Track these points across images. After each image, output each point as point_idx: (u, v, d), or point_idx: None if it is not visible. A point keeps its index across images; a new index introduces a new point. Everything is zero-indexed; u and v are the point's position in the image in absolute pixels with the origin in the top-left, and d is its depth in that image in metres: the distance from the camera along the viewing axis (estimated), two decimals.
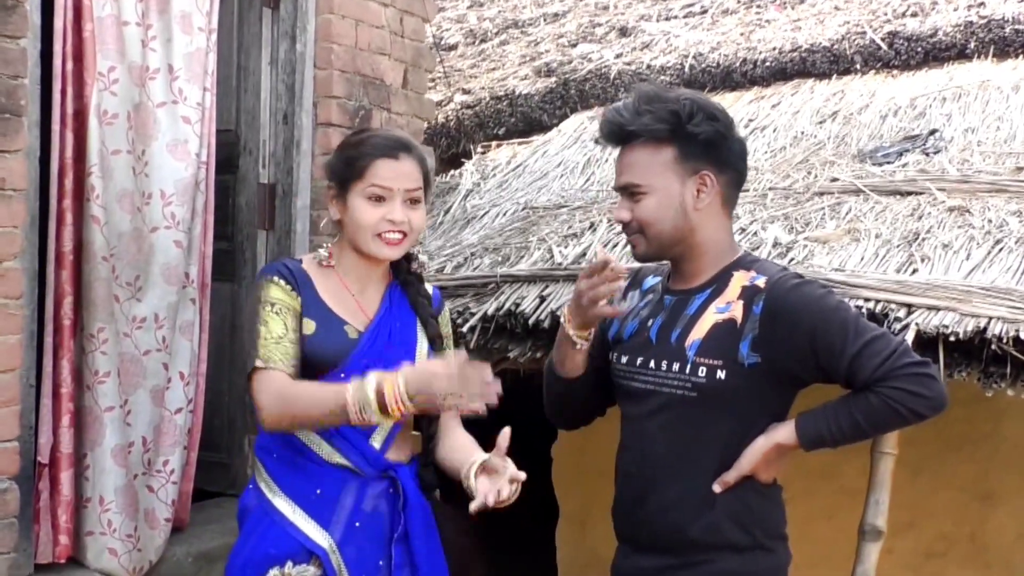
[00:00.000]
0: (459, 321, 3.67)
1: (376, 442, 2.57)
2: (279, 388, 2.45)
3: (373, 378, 2.33)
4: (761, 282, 2.40)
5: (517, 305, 3.58)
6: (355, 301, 2.59)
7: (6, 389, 3.08)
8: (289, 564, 2.50)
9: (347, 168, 2.57)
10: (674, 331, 2.46)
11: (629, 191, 2.46)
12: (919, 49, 5.25)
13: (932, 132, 4.43)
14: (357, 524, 2.54)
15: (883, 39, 5.33)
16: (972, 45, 5.14)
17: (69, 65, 3.26)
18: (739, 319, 2.38)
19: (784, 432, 2.40)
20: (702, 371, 2.38)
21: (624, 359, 2.55)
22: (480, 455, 2.51)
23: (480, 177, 5.29)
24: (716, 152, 2.44)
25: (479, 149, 5.94)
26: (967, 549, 4.59)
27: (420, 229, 2.64)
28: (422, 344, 2.64)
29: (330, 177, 2.64)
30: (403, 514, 2.57)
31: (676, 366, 2.42)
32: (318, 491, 2.53)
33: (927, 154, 4.26)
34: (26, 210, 3.12)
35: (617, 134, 2.48)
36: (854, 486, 3.48)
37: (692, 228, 2.45)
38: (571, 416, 2.80)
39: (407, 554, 2.58)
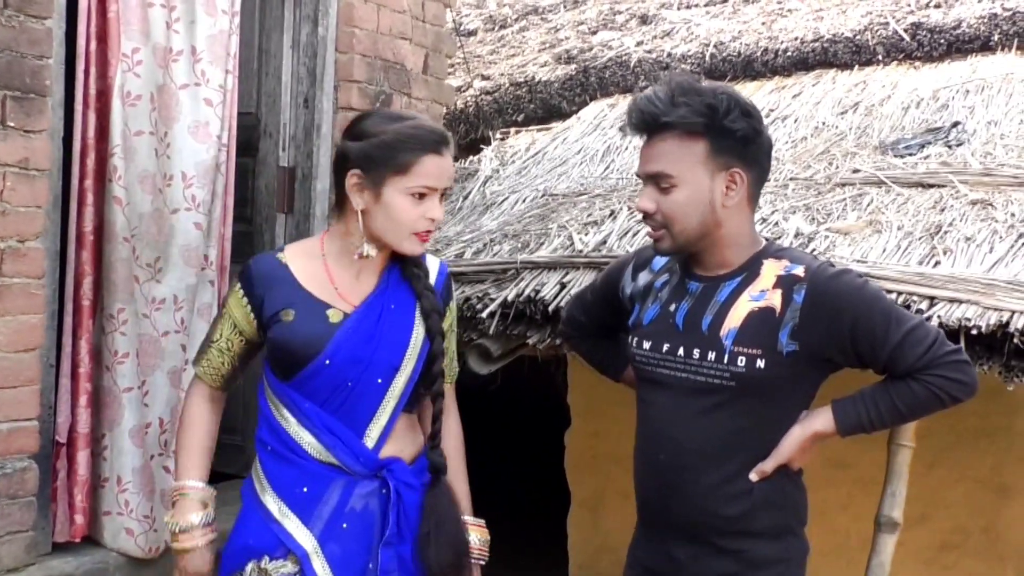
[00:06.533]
0: (478, 307, 3.67)
1: (370, 440, 2.50)
2: (186, 408, 2.66)
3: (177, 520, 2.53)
4: (799, 271, 2.39)
5: (537, 292, 3.57)
6: (336, 290, 2.51)
7: (27, 368, 3.10)
8: (266, 558, 2.46)
9: (387, 159, 2.41)
10: (704, 319, 2.43)
11: (657, 181, 2.42)
12: (942, 41, 5.22)
13: (955, 124, 4.41)
14: (344, 525, 2.46)
15: (906, 30, 5.30)
16: (996, 37, 5.10)
17: (93, 46, 3.27)
18: (778, 308, 2.37)
19: (821, 420, 2.42)
20: (741, 360, 2.36)
21: (647, 345, 2.52)
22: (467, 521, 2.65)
23: (499, 163, 5.28)
24: (747, 149, 2.42)
25: (498, 135, 5.93)
26: (981, 541, 4.58)
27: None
28: (419, 326, 2.54)
29: (358, 164, 2.45)
30: (392, 517, 2.49)
31: (712, 355, 2.40)
32: (305, 488, 2.47)
33: (949, 147, 4.24)
34: (49, 190, 3.13)
35: (648, 124, 2.43)
36: (869, 476, 3.47)
37: (718, 223, 2.42)
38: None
39: (395, 559, 2.49)
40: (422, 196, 2.43)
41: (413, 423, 2.63)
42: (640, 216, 3.81)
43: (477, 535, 2.67)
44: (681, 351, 2.45)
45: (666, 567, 2.50)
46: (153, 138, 3.37)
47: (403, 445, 2.56)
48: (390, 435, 2.53)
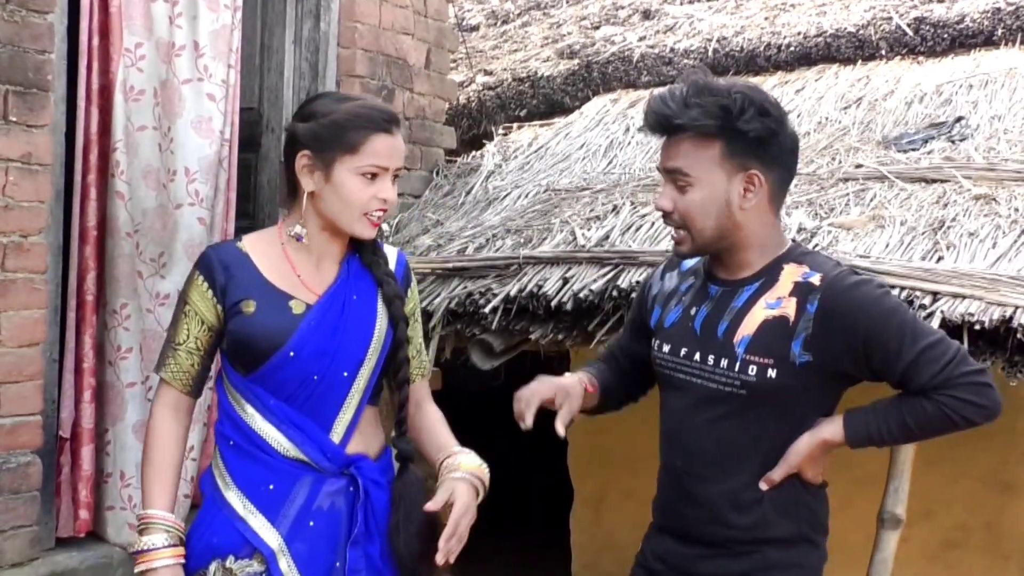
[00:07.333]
0: (481, 302, 3.67)
1: (336, 436, 2.45)
2: (151, 423, 2.46)
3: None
4: (816, 279, 2.31)
5: (539, 287, 3.57)
6: (299, 278, 2.44)
7: (30, 363, 3.10)
8: (231, 558, 2.39)
9: (336, 139, 2.38)
10: (720, 324, 2.38)
11: (675, 178, 2.37)
12: (945, 35, 5.21)
13: (958, 119, 4.40)
14: (311, 524, 2.40)
15: (909, 25, 5.29)
16: (999, 32, 5.09)
17: (95, 41, 3.27)
18: (792, 317, 2.30)
19: (831, 429, 2.35)
20: (752, 369, 2.30)
21: (666, 348, 2.47)
22: (453, 451, 2.52)
23: (502, 159, 5.27)
24: (765, 149, 2.34)
25: (500, 131, 5.93)
26: (984, 539, 4.58)
27: (396, 204, 2.52)
28: (382, 317, 2.48)
29: (307, 144, 2.40)
30: (360, 515, 2.44)
31: (724, 362, 2.34)
32: (271, 486, 2.39)
33: (953, 141, 4.23)
34: (51, 185, 3.14)
35: (663, 126, 2.38)
36: (871, 476, 3.46)
37: (737, 225, 2.36)
38: (613, 407, 2.78)
39: (363, 559, 2.44)
40: (373, 176, 2.39)
41: (376, 417, 2.58)
42: (643, 212, 3.85)
43: (468, 460, 2.53)
44: (697, 356, 2.40)
45: (679, 562, 2.46)
46: (156, 133, 3.37)
47: (368, 440, 2.52)
48: (356, 430, 2.48)
